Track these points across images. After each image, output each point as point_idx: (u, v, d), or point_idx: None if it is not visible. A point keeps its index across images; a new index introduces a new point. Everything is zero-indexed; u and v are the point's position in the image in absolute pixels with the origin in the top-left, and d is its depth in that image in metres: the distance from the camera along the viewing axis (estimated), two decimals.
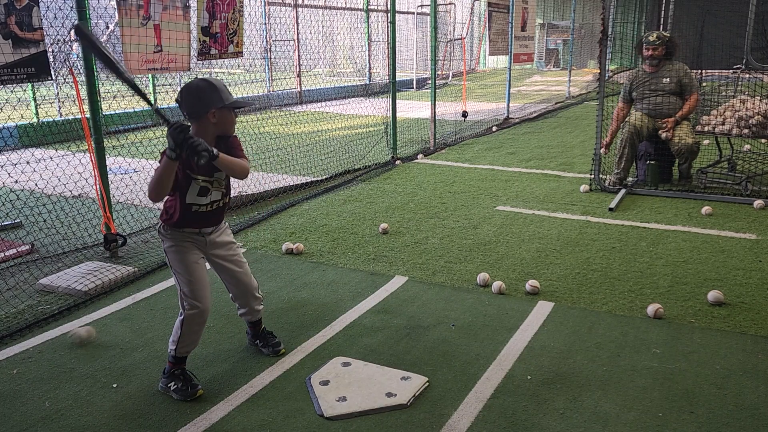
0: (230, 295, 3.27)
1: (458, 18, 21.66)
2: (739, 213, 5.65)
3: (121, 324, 3.70)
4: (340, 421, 2.76)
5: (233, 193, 3.73)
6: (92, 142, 4.54)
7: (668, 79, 6.42)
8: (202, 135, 2.78)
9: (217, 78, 2.88)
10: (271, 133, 9.07)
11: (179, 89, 2.83)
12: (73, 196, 6.19)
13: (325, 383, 3.02)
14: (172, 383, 2.97)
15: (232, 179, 3.03)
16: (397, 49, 8.37)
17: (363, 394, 2.92)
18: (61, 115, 10.33)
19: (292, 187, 6.64)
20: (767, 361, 3.19)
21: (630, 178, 6.67)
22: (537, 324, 3.62)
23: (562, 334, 3.50)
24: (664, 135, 6.34)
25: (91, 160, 4.56)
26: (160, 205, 2.95)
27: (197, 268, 2.97)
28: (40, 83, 6.95)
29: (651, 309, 3.69)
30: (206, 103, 2.78)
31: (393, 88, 8.27)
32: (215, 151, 2.65)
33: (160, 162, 2.70)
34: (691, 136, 6.32)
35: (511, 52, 11.88)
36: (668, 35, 6.50)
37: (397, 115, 8.40)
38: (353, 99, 13.61)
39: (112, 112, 10.12)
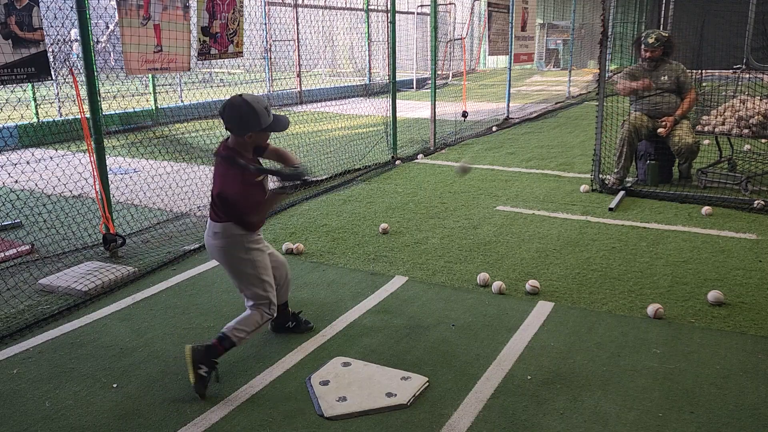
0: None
1: (458, 18, 21.66)
2: (739, 213, 5.65)
3: (121, 324, 3.70)
4: (340, 421, 2.76)
5: None
6: (92, 143, 4.54)
7: (666, 77, 6.42)
8: (240, 147, 3.05)
9: (258, 98, 3.04)
10: (270, 133, 9.06)
11: (223, 103, 3.02)
12: (72, 196, 6.18)
13: (325, 383, 3.02)
14: (205, 368, 2.95)
15: None
16: (397, 49, 8.37)
17: (363, 394, 2.92)
18: (61, 115, 10.32)
19: None
20: (767, 361, 3.19)
21: (630, 178, 6.67)
22: (537, 324, 3.62)
23: (562, 334, 3.50)
24: (662, 131, 6.34)
25: (91, 161, 4.56)
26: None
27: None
28: (40, 83, 6.94)
29: (651, 309, 3.69)
30: (245, 127, 3.00)
31: (393, 88, 8.27)
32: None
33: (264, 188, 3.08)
34: (691, 135, 6.32)
35: (511, 52, 11.87)
36: (666, 35, 6.48)
37: (397, 115, 8.39)
38: (353, 99, 13.60)
39: (112, 112, 10.12)
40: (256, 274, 3.10)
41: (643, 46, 6.44)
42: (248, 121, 2.98)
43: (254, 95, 3.04)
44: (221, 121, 3.04)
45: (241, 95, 3.01)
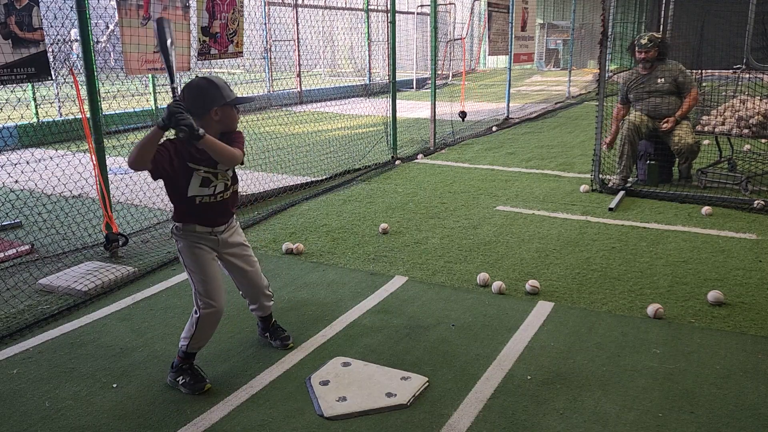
0: (240, 292, 3.35)
1: (458, 18, 21.65)
2: (739, 213, 5.65)
3: (121, 324, 3.70)
4: (340, 421, 2.76)
5: None
6: (92, 142, 4.54)
7: (663, 80, 6.41)
8: (206, 131, 2.84)
9: (218, 76, 2.92)
10: (271, 133, 9.07)
11: (181, 88, 2.89)
12: (73, 196, 6.18)
13: (325, 383, 3.02)
14: (181, 377, 3.01)
15: (238, 172, 3.11)
16: (397, 49, 8.37)
17: (363, 394, 2.92)
18: (61, 115, 10.32)
19: (292, 187, 6.64)
20: (767, 361, 3.19)
21: (630, 178, 6.67)
22: (537, 324, 3.62)
23: (562, 334, 3.50)
24: (664, 126, 6.35)
25: (92, 160, 4.56)
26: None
27: (212, 266, 3.03)
28: (40, 83, 6.94)
29: (651, 309, 3.69)
30: (208, 102, 2.85)
31: (393, 88, 8.27)
32: (201, 131, 2.69)
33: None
34: (691, 135, 6.32)
35: (511, 52, 11.88)
36: (660, 36, 6.48)
37: (397, 115, 8.40)
38: (353, 99, 13.60)
39: (112, 112, 10.12)
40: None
41: (637, 48, 6.45)
42: (210, 95, 2.84)
43: (213, 75, 2.96)
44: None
45: (197, 76, 2.92)
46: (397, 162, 7.93)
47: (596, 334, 3.50)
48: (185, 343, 3.02)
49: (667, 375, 3.08)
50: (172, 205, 3.02)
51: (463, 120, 10.57)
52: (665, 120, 6.36)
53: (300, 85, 15.06)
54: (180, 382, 3.01)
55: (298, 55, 15.14)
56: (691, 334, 3.49)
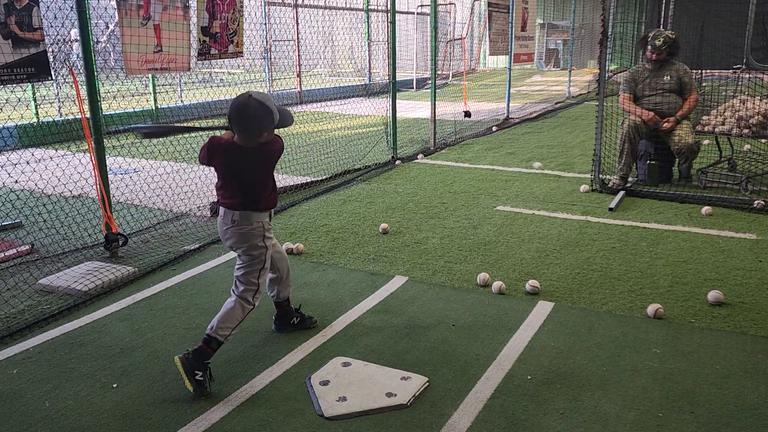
0: (273, 276, 3.44)
1: (458, 18, 21.66)
2: (739, 213, 5.65)
3: (121, 324, 3.70)
4: (340, 421, 2.76)
5: None
6: (92, 142, 4.54)
7: (669, 77, 6.42)
8: (248, 143, 3.01)
9: (267, 96, 3.02)
10: None
11: (231, 106, 2.96)
12: (73, 196, 6.18)
13: (325, 383, 3.02)
14: (200, 373, 2.94)
15: None
16: (397, 49, 8.37)
17: (363, 394, 2.92)
18: (61, 115, 10.32)
19: (292, 187, 6.64)
20: (767, 361, 3.19)
21: (630, 178, 6.67)
22: (537, 324, 3.62)
23: (562, 334, 3.50)
24: (664, 125, 6.34)
25: (92, 160, 4.56)
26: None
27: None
28: (40, 83, 6.94)
29: (651, 309, 3.69)
30: (261, 129, 2.98)
31: (393, 88, 8.27)
32: None
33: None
34: (691, 135, 6.31)
35: (511, 52, 11.87)
36: (674, 37, 6.47)
37: (397, 115, 8.39)
38: (353, 99, 13.60)
39: (112, 112, 10.12)
40: (263, 263, 3.14)
41: (649, 48, 6.42)
42: (265, 122, 2.96)
43: (261, 93, 3.01)
44: (230, 123, 2.99)
45: (249, 95, 2.93)
46: (397, 162, 7.93)
47: (596, 334, 3.50)
48: (227, 333, 3.03)
49: (667, 375, 3.08)
50: (227, 201, 3.10)
51: (468, 118, 10.59)
52: (666, 119, 6.36)
53: (300, 85, 15.06)
54: (197, 377, 2.92)
55: (298, 55, 15.14)
56: (691, 334, 3.49)
